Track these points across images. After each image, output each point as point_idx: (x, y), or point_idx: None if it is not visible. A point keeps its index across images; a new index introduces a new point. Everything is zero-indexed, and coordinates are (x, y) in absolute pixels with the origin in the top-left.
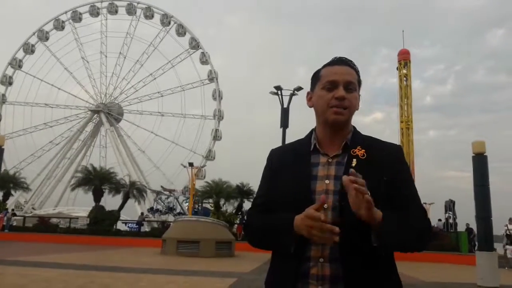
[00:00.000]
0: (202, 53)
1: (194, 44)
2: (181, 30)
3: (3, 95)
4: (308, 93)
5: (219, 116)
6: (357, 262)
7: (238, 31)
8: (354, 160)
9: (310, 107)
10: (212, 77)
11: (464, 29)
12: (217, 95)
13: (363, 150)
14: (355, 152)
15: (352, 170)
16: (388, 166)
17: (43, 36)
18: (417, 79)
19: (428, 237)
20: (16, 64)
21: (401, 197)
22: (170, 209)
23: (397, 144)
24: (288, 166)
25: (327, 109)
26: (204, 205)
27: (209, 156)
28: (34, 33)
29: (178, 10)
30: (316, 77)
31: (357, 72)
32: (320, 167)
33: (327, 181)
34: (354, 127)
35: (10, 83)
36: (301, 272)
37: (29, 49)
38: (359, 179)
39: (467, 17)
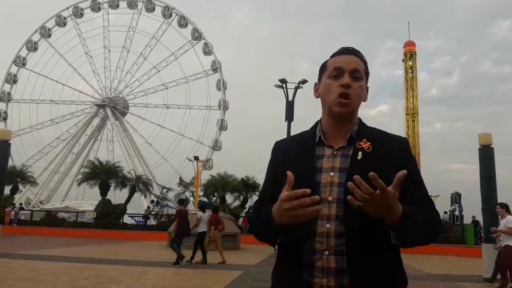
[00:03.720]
0: (205, 43)
1: (197, 35)
2: (183, 22)
3: (9, 93)
4: (315, 84)
5: (224, 106)
6: (362, 255)
7: (243, 25)
8: (360, 153)
9: (317, 97)
10: (215, 67)
11: (470, 20)
12: (221, 85)
13: (369, 143)
14: (361, 145)
15: (356, 176)
16: (394, 159)
17: (45, 33)
18: (423, 71)
19: (440, 230)
20: (20, 62)
21: (408, 190)
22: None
23: (403, 136)
24: (293, 158)
25: (332, 98)
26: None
27: (216, 146)
28: (36, 31)
29: (182, 4)
30: (323, 67)
31: (364, 62)
32: (325, 159)
33: (332, 173)
34: (359, 119)
35: (15, 81)
36: (306, 265)
37: (32, 46)
38: (363, 184)
39: (473, 8)
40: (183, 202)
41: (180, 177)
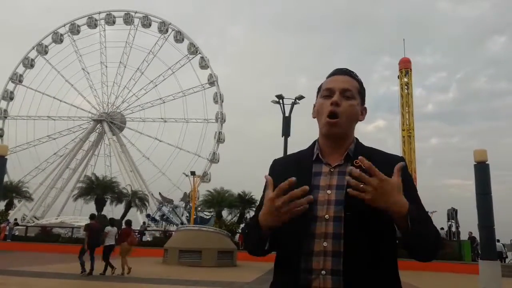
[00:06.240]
0: (201, 57)
1: (193, 50)
2: (179, 37)
3: (5, 110)
4: (314, 106)
5: (221, 118)
6: (359, 274)
7: (240, 40)
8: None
9: (314, 118)
10: (212, 81)
11: (465, 37)
12: (218, 98)
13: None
14: (358, 163)
15: (360, 157)
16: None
17: (42, 50)
18: (418, 87)
19: (441, 243)
20: (17, 79)
21: None
22: (167, 219)
23: (400, 155)
24: (290, 175)
25: (323, 118)
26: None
27: (214, 159)
28: (33, 48)
29: (180, 21)
30: (318, 89)
31: (358, 82)
32: (322, 177)
33: (328, 191)
34: (356, 139)
35: (12, 98)
36: (303, 284)
37: (28, 63)
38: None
39: (469, 24)
40: (94, 217)
41: (160, 193)
